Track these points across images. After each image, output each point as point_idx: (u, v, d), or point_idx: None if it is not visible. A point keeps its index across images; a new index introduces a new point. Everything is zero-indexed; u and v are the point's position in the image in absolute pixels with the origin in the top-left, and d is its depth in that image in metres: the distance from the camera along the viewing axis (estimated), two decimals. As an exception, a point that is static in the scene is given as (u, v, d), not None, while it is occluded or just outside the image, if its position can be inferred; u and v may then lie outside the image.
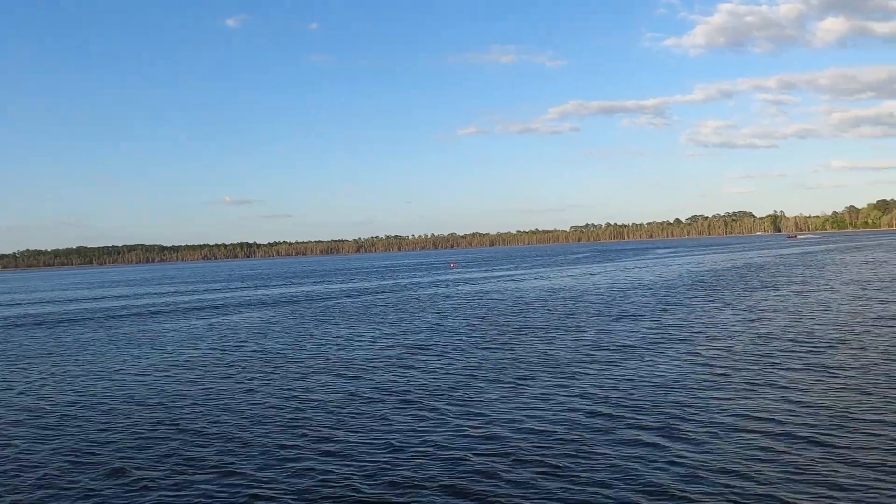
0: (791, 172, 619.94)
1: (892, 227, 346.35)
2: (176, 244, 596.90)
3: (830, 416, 14.74)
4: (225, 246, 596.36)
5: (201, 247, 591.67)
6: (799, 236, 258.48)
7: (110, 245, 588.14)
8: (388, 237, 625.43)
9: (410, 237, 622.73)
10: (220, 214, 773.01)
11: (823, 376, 18.58)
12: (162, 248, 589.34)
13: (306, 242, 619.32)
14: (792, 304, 36.23)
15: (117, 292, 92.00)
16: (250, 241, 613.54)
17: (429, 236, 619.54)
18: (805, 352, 22.28)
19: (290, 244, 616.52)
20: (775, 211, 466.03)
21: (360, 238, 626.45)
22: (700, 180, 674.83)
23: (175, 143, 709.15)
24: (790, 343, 24.05)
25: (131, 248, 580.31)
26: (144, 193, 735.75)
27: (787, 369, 19.73)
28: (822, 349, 22.56)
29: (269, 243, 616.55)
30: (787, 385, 17.81)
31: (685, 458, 12.63)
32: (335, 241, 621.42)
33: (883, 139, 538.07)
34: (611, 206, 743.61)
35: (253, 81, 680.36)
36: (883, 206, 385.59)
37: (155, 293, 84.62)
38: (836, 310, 32.61)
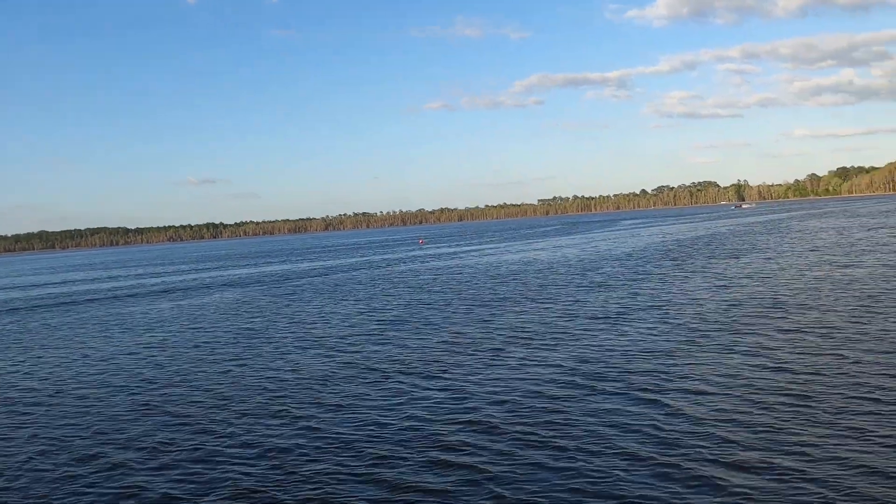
0: (754, 142, 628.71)
1: (851, 193, 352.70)
2: (140, 226, 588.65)
3: (802, 379, 15.08)
4: (191, 227, 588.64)
5: (166, 228, 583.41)
6: (744, 206, 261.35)
7: (73, 229, 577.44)
8: (356, 214, 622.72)
9: (378, 214, 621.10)
10: (184, 195, 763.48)
11: (793, 338, 18.99)
12: (126, 231, 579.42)
13: (274, 221, 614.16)
14: (757, 270, 36.87)
15: (83, 276, 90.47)
16: (216, 222, 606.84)
17: (397, 213, 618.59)
18: (775, 316, 22.73)
19: (258, 224, 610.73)
20: (739, 180, 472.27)
21: (328, 216, 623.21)
22: (665, 151, 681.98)
23: (136, 122, 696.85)
24: (758, 308, 24.51)
25: (94, 232, 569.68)
26: (107, 175, 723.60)
27: (758, 333, 20.11)
28: (789, 313, 23.04)
29: (235, 223, 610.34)
30: (758, 349, 18.18)
31: (662, 423, 12.84)
32: (303, 219, 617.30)
33: (843, 107, 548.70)
34: (577, 178, 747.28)
35: (213, 57, 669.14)
36: (843, 173, 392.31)
37: (122, 276, 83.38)
38: (799, 274, 33.27)
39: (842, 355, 16.84)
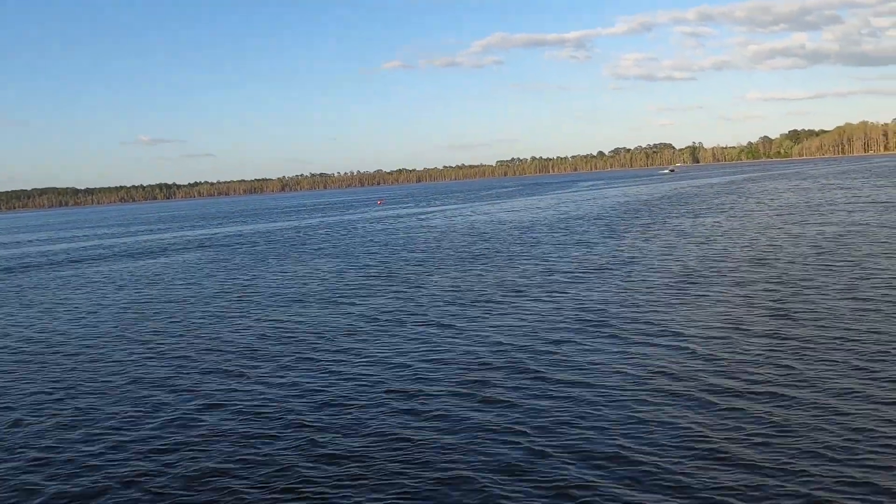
0: (709, 104, 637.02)
1: (802, 156, 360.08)
2: (90, 186, 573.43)
3: (766, 330, 15.52)
4: (143, 187, 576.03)
5: (118, 189, 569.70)
6: (675, 169, 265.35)
7: (19, 189, 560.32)
8: (313, 175, 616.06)
9: (336, 175, 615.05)
10: (136, 155, 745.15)
11: (762, 288, 19.50)
12: (76, 191, 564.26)
13: (229, 182, 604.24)
14: (705, 229, 37.60)
15: (30, 237, 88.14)
16: (169, 182, 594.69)
17: (355, 173, 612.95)
18: (727, 271, 23.28)
19: (212, 184, 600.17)
20: (694, 142, 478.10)
21: (284, 177, 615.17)
22: (622, 113, 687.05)
23: (83, 79, 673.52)
24: (715, 263, 25.06)
25: (42, 192, 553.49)
26: (53, 134, 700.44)
27: (718, 289, 20.57)
28: (753, 265, 23.62)
29: (189, 184, 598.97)
30: (721, 301, 18.62)
31: (632, 374, 13.13)
32: (259, 180, 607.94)
33: (794, 70, 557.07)
34: (536, 140, 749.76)
35: (164, 13, 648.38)
36: (794, 136, 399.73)
37: (73, 237, 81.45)
38: (747, 234, 34.07)
39: (813, 301, 17.34)
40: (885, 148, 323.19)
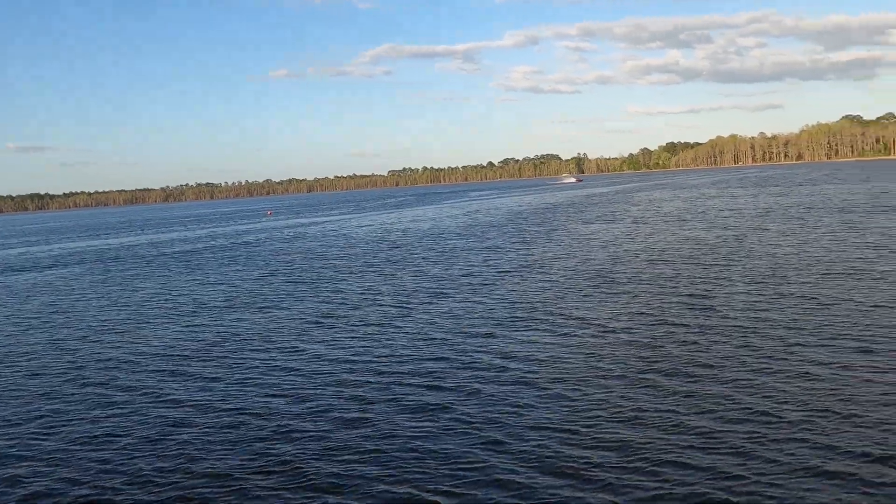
0: (593, 117, 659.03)
1: (678, 167, 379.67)
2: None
3: (665, 320, 16.06)
4: (11, 198, 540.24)
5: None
6: (580, 179, 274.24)
7: None
8: (198, 185, 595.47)
9: (223, 185, 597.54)
10: (3, 163, 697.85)
11: (660, 285, 20.21)
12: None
13: (108, 192, 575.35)
14: (608, 233, 38.93)
15: None
16: (42, 192, 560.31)
17: (243, 183, 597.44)
18: (630, 270, 24.08)
19: (90, 195, 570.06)
20: (579, 153, 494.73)
21: (168, 186, 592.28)
22: (511, 124, 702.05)
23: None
24: (618, 264, 25.90)
25: None
26: None
27: (623, 286, 21.22)
28: (641, 267, 24.55)
29: (64, 194, 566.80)
30: (625, 294, 19.18)
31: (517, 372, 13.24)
32: (140, 189, 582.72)
33: (671, 86, 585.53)
34: (427, 150, 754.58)
35: (32, 8, 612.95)
36: (671, 148, 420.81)
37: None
38: (645, 236, 35.50)
39: (710, 293, 18.13)
40: (753, 160, 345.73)
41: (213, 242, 60.78)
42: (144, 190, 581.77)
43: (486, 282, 26.33)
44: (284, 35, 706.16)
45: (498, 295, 23.25)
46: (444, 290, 24.97)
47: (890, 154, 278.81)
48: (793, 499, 8.40)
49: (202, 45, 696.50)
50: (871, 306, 17.61)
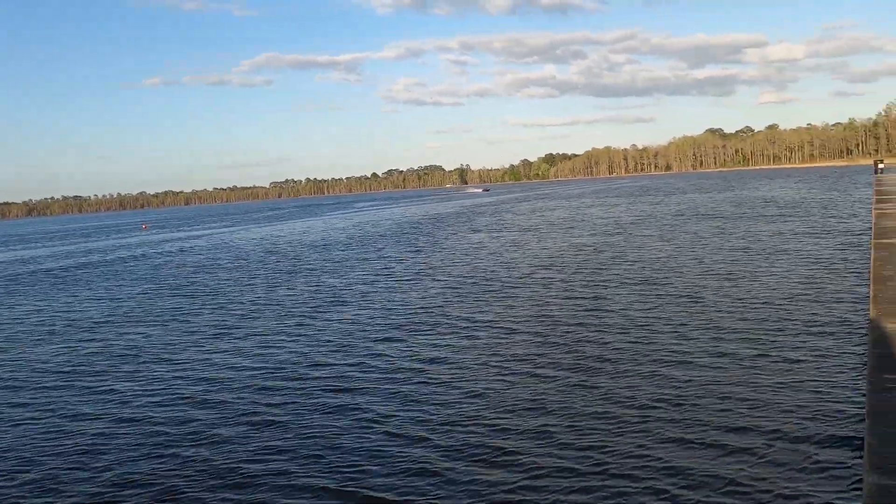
0: (474, 128, 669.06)
1: (557, 177, 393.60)
2: None
3: (558, 319, 16.98)
4: None
5: None
6: (488, 189, 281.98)
7: None
8: (65, 198, 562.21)
9: (93, 198, 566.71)
10: None
11: (552, 291, 21.22)
12: None
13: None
14: (497, 242, 40.17)
15: None
16: None
17: (115, 196, 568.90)
18: (518, 274, 25.12)
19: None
20: (462, 164, 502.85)
21: (31, 200, 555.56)
22: (395, 136, 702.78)
23: None
24: (508, 270, 26.90)
25: None
26: None
27: (512, 290, 22.13)
28: (529, 271, 25.65)
29: None
30: (516, 297, 20.03)
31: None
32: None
33: (548, 99, 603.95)
34: (310, 161, 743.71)
35: None
36: (550, 159, 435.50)
37: None
38: (533, 243, 36.95)
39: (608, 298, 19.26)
40: (626, 170, 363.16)
41: (87, 259, 57.92)
42: (4, 204, 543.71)
43: (382, 288, 26.77)
44: (158, 43, 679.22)
45: (396, 301, 23.74)
46: (342, 298, 25.22)
47: (748, 165, 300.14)
48: (673, 471, 9.35)
49: (72, 52, 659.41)
50: (740, 300, 19.41)
